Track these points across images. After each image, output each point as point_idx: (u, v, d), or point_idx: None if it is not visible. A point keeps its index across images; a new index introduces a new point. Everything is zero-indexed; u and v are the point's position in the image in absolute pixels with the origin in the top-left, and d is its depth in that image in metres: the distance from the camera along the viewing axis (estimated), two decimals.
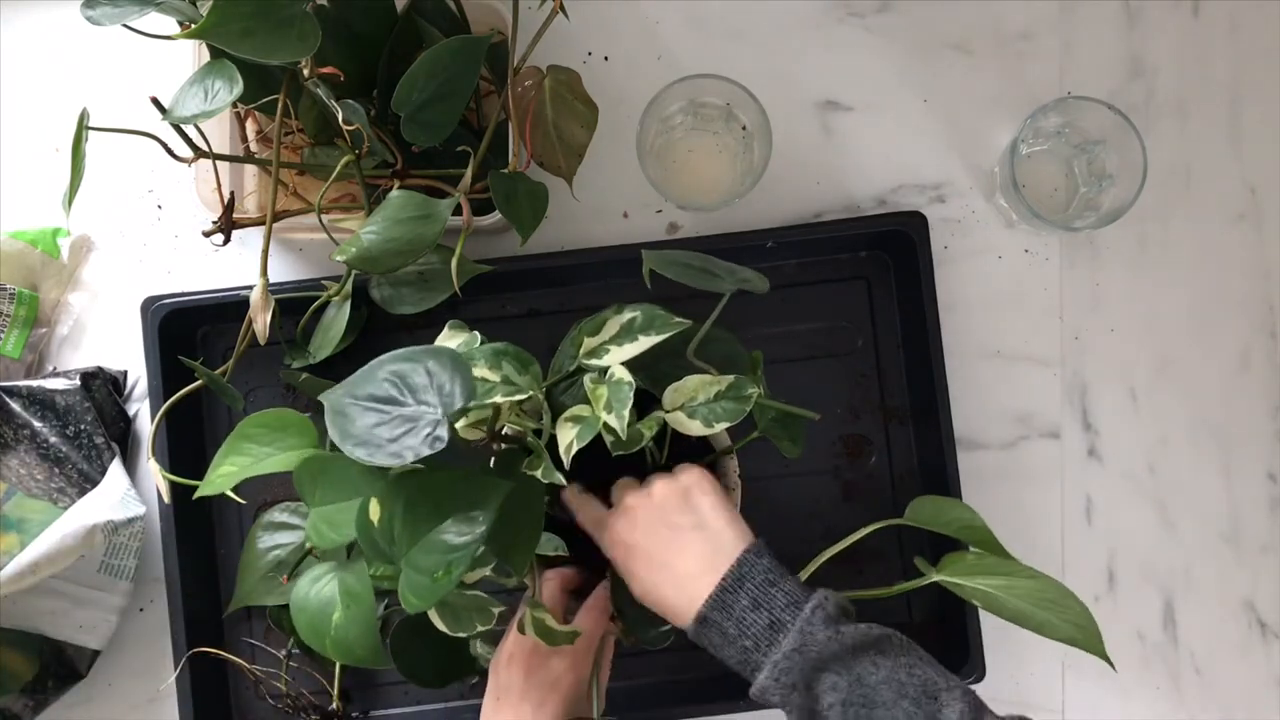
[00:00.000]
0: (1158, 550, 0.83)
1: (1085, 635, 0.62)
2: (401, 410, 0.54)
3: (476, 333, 0.65)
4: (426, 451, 0.52)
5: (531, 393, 0.61)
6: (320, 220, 0.69)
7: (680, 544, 0.61)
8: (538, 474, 0.60)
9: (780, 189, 0.83)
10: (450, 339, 0.65)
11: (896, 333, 0.83)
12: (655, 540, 0.62)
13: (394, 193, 0.67)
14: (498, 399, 0.60)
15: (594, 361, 0.63)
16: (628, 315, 0.64)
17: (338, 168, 0.68)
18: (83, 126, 0.63)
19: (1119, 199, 0.77)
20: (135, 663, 0.82)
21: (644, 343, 0.62)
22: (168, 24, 0.67)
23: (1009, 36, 0.85)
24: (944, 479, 0.78)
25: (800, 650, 0.56)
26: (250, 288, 0.70)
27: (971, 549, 0.67)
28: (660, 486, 0.63)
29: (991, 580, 0.64)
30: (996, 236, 0.84)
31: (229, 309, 0.79)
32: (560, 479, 0.60)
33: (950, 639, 0.77)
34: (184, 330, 0.82)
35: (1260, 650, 0.82)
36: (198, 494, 0.64)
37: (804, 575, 0.65)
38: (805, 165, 0.84)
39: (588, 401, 0.62)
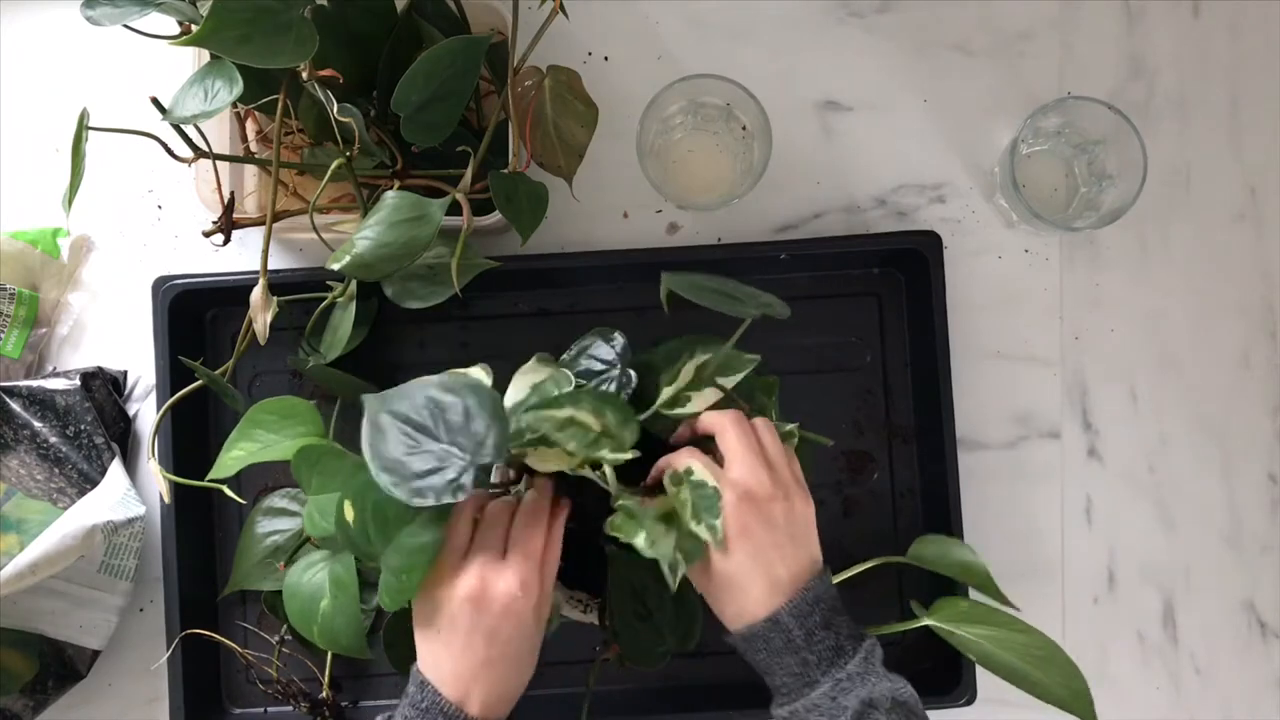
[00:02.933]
0: (1158, 550, 0.83)
1: (1076, 698, 0.62)
2: (432, 446, 0.53)
3: (568, 371, 0.63)
4: (448, 499, 0.52)
5: (635, 454, 0.59)
6: (313, 225, 0.69)
7: (783, 545, 0.60)
8: (638, 541, 0.57)
9: (780, 189, 0.83)
10: (536, 373, 0.63)
11: (905, 351, 0.83)
12: (768, 532, 0.60)
13: (388, 194, 0.66)
14: (605, 454, 0.58)
15: (677, 411, 0.61)
16: (701, 358, 0.62)
17: (329, 171, 0.68)
18: (83, 126, 0.63)
19: (1119, 199, 0.77)
20: (135, 663, 0.82)
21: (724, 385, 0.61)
22: (168, 24, 0.67)
23: (1009, 36, 0.85)
24: (945, 501, 0.78)
25: (862, 676, 0.58)
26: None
27: (970, 593, 0.67)
28: (796, 486, 0.62)
29: (984, 630, 0.64)
30: (996, 236, 0.84)
31: (239, 292, 0.78)
32: (677, 560, 0.58)
33: (941, 658, 0.77)
34: (194, 312, 0.82)
35: (1260, 650, 0.82)
36: (209, 477, 0.65)
37: None
38: (805, 165, 0.84)
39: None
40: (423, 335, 0.82)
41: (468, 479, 0.52)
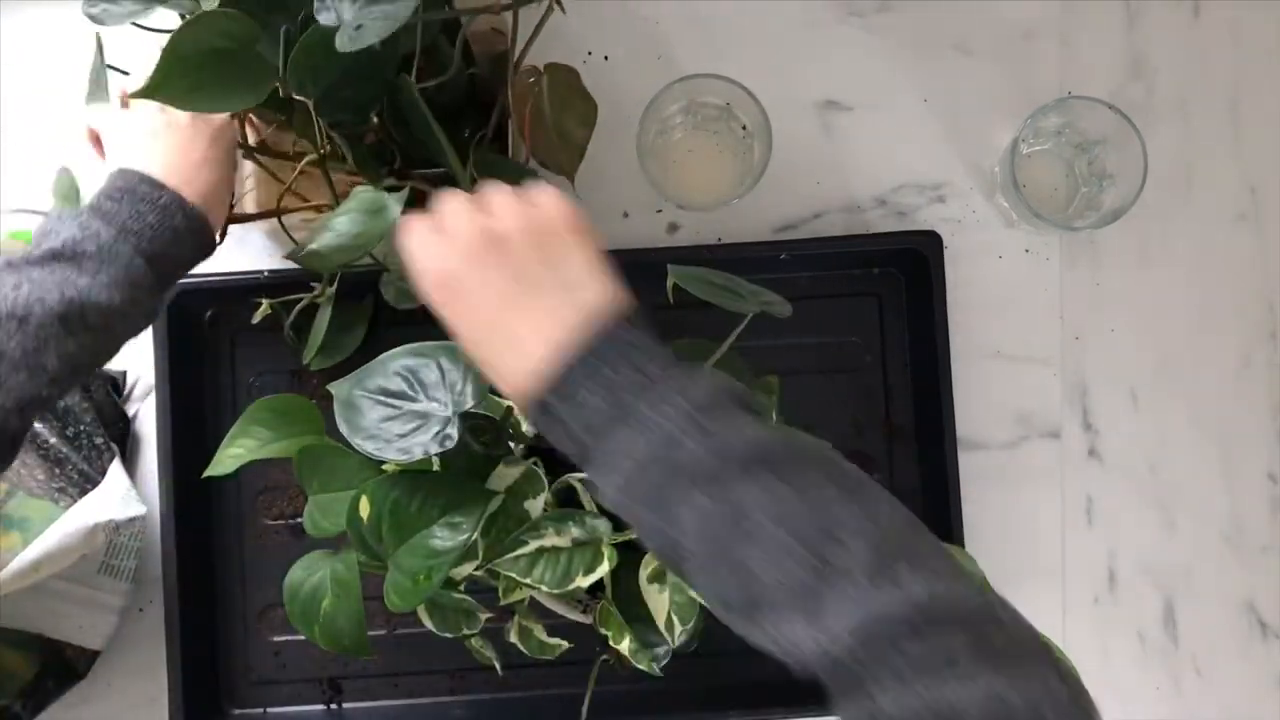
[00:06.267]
0: (1158, 550, 0.83)
1: None
2: (412, 406, 0.54)
3: (539, 469, 0.60)
4: (436, 449, 0.52)
5: (614, 561, 0.58)
6: (280, 222, 0.70)
7: (528, 299, 0.46)
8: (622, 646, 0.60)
9: (780, 189, 0.83)
10: (506, 476, 0.62)
11: (905, 351, 0.82)
12: (494, 284, 0.46)
13: (357, 189, 0.66)
14: (579, 581, 0.57)
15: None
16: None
17: (297, 169, 0.68)
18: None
19: (1119, 199, 0.77)
20: (135, 663, 0.81)
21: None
22: (168, 22, 0.67)
23: (1009, 36, 0.85)
24: (945, 501, 0.78)
25: (656, 452, 0.42)
26: (259, 273, 0.70)
27: None
28: (512, 215, 0.47)
29: None
30: (996, 236, 0.84)
31: (238, 292, 0.79)
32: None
33: None
34: (193, 311, 0.82)
35: (1260, 650, 0.82)
36: (206, 473, 0.65)
37: None
38: (805, 165, 0.84)
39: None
40: (422, 337, 0.81)
41: (453, 429, 0.53)
